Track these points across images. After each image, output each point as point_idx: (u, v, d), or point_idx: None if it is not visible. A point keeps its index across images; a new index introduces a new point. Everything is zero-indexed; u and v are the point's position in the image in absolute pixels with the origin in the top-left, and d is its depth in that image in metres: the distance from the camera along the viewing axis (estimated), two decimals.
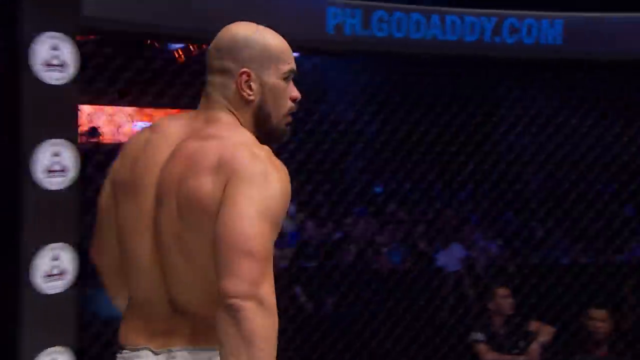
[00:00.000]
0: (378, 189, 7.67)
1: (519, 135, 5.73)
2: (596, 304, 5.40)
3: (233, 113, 2.00)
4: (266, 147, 1.93)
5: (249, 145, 1.91)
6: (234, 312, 1.71)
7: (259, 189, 1.81)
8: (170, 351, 1.95)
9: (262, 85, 2.01)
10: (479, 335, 5.35)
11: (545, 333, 5.39)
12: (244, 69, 1.99)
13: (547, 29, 5.37)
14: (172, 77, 5.15)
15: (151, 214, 1.96)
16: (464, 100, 5.71)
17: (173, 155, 1.95)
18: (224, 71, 2.00)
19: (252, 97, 2.00)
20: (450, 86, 5.64)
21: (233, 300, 1.71)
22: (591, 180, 5.82)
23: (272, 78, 2.03)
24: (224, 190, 1.82)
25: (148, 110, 12.31)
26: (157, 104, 5.81)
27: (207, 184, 1.85)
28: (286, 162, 1.95)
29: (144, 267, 1.99)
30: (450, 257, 6.45)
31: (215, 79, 2.01)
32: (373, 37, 5.10)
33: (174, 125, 2.03)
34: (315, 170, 5.66)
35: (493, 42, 5.26)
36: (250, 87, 1.99)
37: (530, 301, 5.61)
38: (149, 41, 6.97)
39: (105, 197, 2.11)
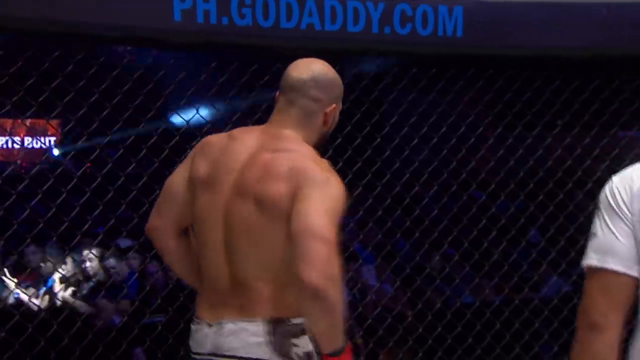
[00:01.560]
0: None
1: (409, 144, 4.72)
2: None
3: (299, 130, 2.64)
4: (324, 160, 2.59)
5: (312, 157, 2.57)
6: (315, 290, 2.30)
7: (324, 191, 2.45)
8: (220, 323, 2.55)
9: (335, 117, 2.73)
10: None
11: None
12: (334, 105, 2.70)
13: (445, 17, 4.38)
14: None
15: (225, 206, 2.57)
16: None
17: (250, 162, 2.57)
18: (317, 100, 2.65)
19: (330, 127, 2.72)
20: None
21: (313, 281, 2.30)
22: (490, 197, 4.91)
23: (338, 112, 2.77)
24: (295, 192, 2.46)
25: None
26: None
27: (281, 188, 2.49)
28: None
29: (214, 248, 2.59)
30: None
31: (304, 103, 2.64)
32: (232, 26, 4.09)
33: (248, 136, 2.65)
34: None
35: (382, 33, 4.29)
36: (332, 119, 2.70)
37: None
38: None
39: (180, 178, 2.71)
